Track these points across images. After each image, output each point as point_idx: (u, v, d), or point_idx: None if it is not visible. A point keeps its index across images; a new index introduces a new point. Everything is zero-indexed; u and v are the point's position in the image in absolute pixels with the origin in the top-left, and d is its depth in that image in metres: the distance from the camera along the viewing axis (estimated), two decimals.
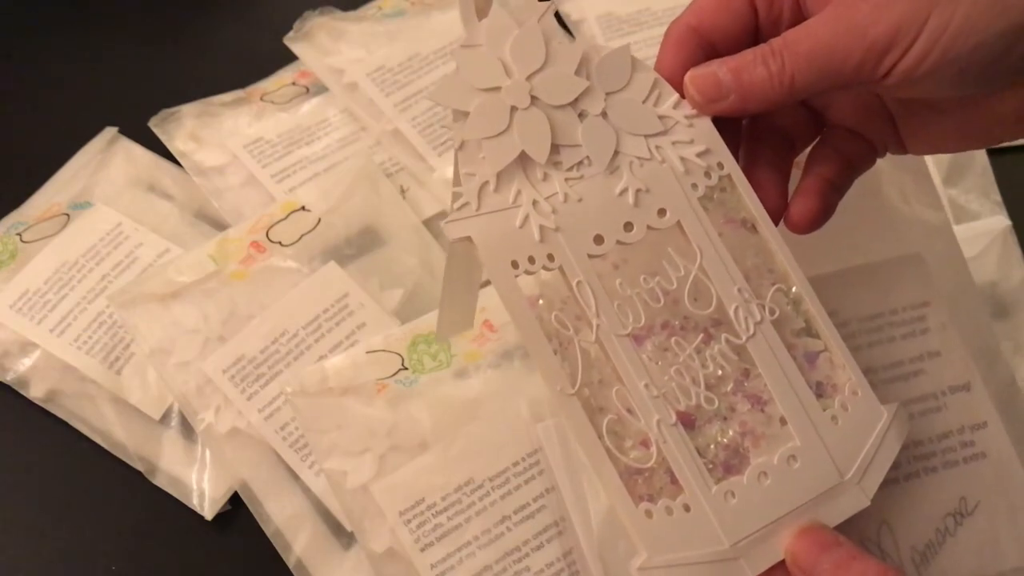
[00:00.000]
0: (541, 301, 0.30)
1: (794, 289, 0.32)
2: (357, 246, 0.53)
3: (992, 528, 0.38)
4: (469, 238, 0.29)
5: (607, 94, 0.31)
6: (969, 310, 0.41)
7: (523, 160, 0.30)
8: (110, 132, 0.60)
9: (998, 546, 0.38)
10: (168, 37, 0.67)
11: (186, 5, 0.69)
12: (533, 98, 0.30)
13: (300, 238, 0.52)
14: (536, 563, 0.41)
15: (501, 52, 0.30)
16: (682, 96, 0.32)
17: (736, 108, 0.31)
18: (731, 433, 0.30)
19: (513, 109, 0.30)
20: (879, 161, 0.36)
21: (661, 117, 0.32)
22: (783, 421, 0.30)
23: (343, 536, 0.45)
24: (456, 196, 0.30)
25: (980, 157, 0.59)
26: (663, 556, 0.28)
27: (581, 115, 0.31)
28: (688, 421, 0.30)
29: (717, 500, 0.29)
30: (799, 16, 0.32)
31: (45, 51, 0.66)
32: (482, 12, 0.31)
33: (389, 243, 0.53)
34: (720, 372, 0.31)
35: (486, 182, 0.30)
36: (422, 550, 0.41)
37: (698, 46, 0.32)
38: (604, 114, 0.31)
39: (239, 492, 0.46)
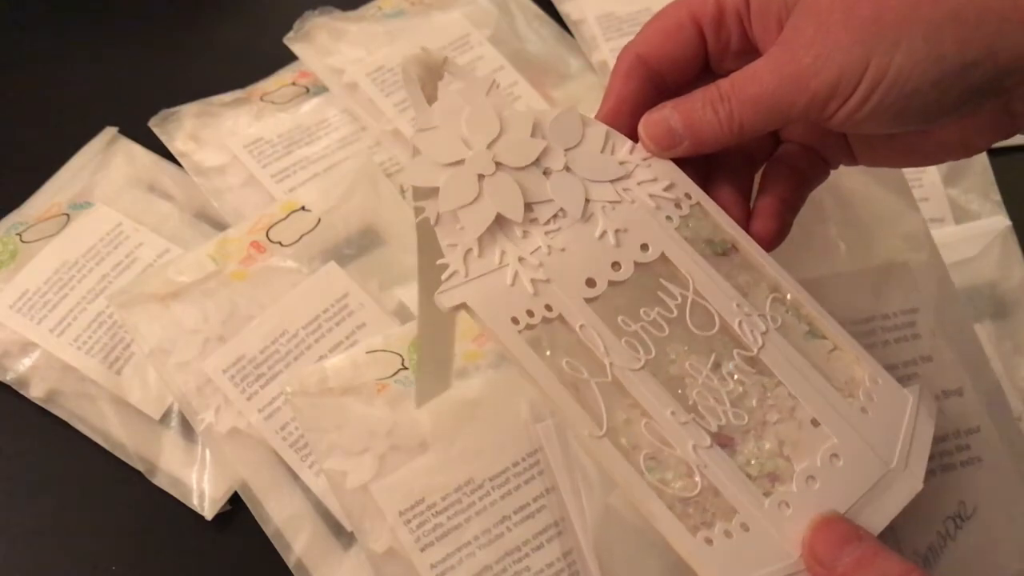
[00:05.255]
0: (548, 352, 0.30)
1: (789, 296, 0.32)
2: (357, 246, 0.53)
3: (991, 533, 0.38)
4: (464, 304, 0.30)
5: (565, 150, 0.32)
6: (955, 319, 0.41)
7: (501, 222, 0.31)
8: (110, 132, 0.60)
9: (998, 551, 0.38)
10: (168, 37, 0.67)
11: (186, 5, 0.69)
12: (497, 164, 0.31)
13: (300, 238, 0.52)
14: (536, 563, 0.41)
15: (457, 129, 0.32)
16: (635, 141, 0.33)
17: (691, 152, 0.32)
18: (768, 445, 0.30)
19: (480, 176, 0.31)
20: (860, 177, 0.36)
21: (620, 163, 0.33)
22: (815, 423, 0.30)
23: (343, 536, 0.45)
24: (440, 269, 0.30)
25: (980, 157, 0.59)
26: None
27: (546, 172, 0.32)
28: (724, 441, 0.30)
29: (772, 513, 0.29)
30: (747, 44, 0.33)
31: (45, 51, 0.66)
32: (431, 98, 0.32)
33: (389, 243, 0.53)
34: (741, 388, 0.31)
35: (469, 249, 0.30)
36: (422, 550, 0.41)
37: (646, 77, 0.33)
38: (567, 168, 0.32)
39: (239, 492, 0.46)
